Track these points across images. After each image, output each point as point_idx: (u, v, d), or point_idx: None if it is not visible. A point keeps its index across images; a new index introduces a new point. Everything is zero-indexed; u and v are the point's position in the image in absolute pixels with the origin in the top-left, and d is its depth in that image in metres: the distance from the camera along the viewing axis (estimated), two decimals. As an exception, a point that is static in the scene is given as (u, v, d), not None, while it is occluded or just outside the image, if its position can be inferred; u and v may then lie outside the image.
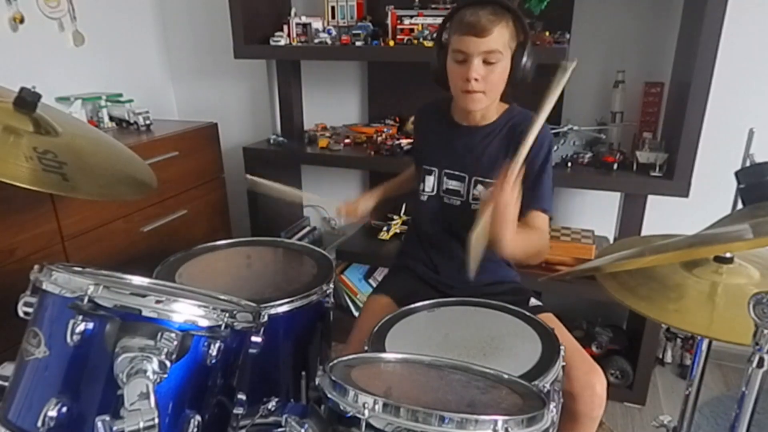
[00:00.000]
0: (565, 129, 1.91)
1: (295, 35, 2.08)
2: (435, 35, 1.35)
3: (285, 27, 2.07)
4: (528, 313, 1.25)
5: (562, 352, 1.09)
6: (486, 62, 1.22)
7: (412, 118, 1.80)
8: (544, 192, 1.32)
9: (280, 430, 0.92)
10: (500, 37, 1.21)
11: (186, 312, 0.84)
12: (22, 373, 0.86)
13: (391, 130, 2.19)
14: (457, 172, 1.38)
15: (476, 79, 1.23)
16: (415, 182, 1.47)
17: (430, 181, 1.41)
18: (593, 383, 1.21)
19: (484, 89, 1.25)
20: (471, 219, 1.35)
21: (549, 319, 1.32)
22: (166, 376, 0.78)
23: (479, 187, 1.37)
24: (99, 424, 0.76)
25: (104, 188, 1.23)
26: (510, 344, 1.14)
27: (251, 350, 0.98)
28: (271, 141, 2.29)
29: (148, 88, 2.47)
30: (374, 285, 2.31)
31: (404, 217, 2.25)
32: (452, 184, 1.39)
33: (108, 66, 2.24)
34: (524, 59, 1.26)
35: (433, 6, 1.95)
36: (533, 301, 1.41)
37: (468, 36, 1.20)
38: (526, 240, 1.24)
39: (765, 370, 0.75)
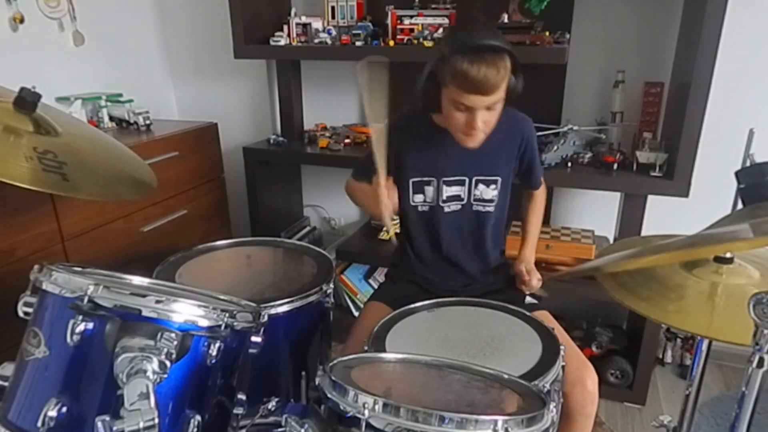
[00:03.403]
0: (565, 129, 1.91)
1: (295, 35, 2.08)
2: (426, 72, 1.27)
3: (285, 27, 2.07)
4: (527, 313, 1.25)
5: (562, 352, 1.09)
6: (488, 109, 1.22)
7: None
8: (539, 163, 1.49)
9: (280, 430, 0.92)
10: (503, 86, 1.20)
11: (186, 312, 0.84)
12: (22, 373, 0.86)
13: (391, 130, 2.19)
14: (456, 178, 1.38)
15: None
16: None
17: (429, 192, 1.40)
18: (584, 379, 1.21)
19: (485, 131, 1.26)
20: (473, 221, 1.40)
21: (545, 316, 1.33)
22: (166, 376, 0.78)
23: (480, 186, 1.38)
24: (99, 424, 0.76)
25: (104, 188, 1.23)
26: (510, 344, 1.14)
27: (251, 350, 0.98)
28: (271, 141, 2.29)
29: (148, 88, 2.47)
30: (374, 285, 2.32)
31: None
32: (452, 190, 1.39)
33: (108, 66, 2.24)
34: (517, 85, 1.25)
35: (433, 6, 1.95)
36: (529, 299, 1.42)
37: (474, 95, 1.17)
38: (541, 218, 1.55)
39: (765, 370, 0.75)
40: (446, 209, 1.40)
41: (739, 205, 1.01)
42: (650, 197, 1.81)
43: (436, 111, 1.31)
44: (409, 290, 1.44)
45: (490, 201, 1.39)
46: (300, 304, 1.28)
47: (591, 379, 1.22)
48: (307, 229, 2.55)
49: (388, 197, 1.24)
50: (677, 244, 0.91)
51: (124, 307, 0.81)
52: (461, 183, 1.38)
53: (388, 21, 1.93)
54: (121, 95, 2.11)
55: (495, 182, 1.38)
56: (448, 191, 1.39)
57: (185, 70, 2.59)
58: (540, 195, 1.54)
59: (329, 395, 0.86)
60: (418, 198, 1.41)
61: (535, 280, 1.41)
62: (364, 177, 1.34)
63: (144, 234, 1.85)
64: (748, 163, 1.06)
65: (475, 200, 1.39)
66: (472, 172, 1.37)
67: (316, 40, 2.03)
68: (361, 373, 0.97)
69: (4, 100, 1.20)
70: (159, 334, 0.79)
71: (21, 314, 0.89)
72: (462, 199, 1.39)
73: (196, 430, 0.85)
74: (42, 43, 1.96)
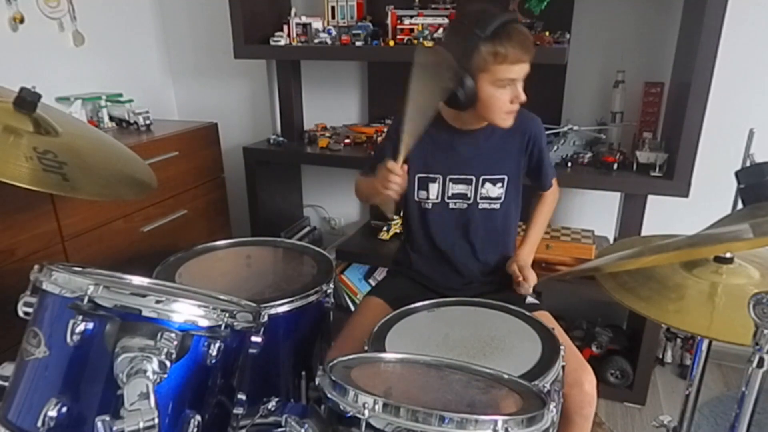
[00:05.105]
0: (565, 129, 1.91)
1: (295, 35, 2.08)
2: (459, 64, 1.23)
3: (285, 27, 2.07)
4: (527, 313, 1.25)
5: (562, 352, 1.09)
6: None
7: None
8: (550, 164, 1.48)
9: (280, 430, 0.92)
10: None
11: (186, 312, 0.84)
12: (22, 373, 0.86)
13: (391, 130, 2.19)
14: (463, 176, 1.38)
15: None
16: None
17: (434, 189, 1.41)
18: (582, 381, 1.21)
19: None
20: (479, 219, 1.40)
21: (545, 317, 1.33)
22: (166, 376, 0.78)
23: (486, 185, 1.39)
24: (99, 424, 0.76)
25: (104, 188, 1.23)
26: (510, 344, 1.14)
27: (251, 350, 0.98)
28: (271, 141, 2.29)
29: (148, 88, 2.47)
30: (374, 285, 2.31)
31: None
32: (458, 188, 1.39)
33: (108, 66, 2.23)
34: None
35: (433, 6, 1.95)
36: (529, 299, 1.42)
37: (518, 64, 1.21)
38: (546, 220, 1.54)
39: (765, 370, 0.75)
40: (451, 205, 1.41)
41: (739, 205, 1.01)
42: (650, 197, 1.81)
43: (467, 106, 1.27)
44: (409, 288, 1.45)
45: (497, 198, 1.40)
46: (300, 304, 1.28)
47: (589, 381, 1.22)
48: (307, 229, 2.54)
49: (398, 181, 1.21)
50: (677, 244, 0.91)
51: (124, 307, 0.82)
52: (468, 182, 1.39)
53: (388, 21, 1.93)
54: (121, 95, 2.11)
55: (501, 180, 1.39)
56: (454, 188, 1.39)
57: (185, 70, 2.59)
58: (549, 197, 1.53)
59: (329, 395, 0.86)
60: (422, 194, 1.42)
61: (531, 282, 1.36)
62: (373, 173, 1.33)
63: (144, 234, 1.85)
64: (748, 163, 1.06)
65: (481, 198, 1.40)
66: (479, 170, 1.38)
67: (316, 40, 2.03)
68: (361, 373, 0.97)
69: (4, 100, 1.20)
70: (159, 334, 0.79)
71: (21, 314, 0.89)
72: (468, 198, 1.40)
73: (196, 430, 0.85)
74: (42, 43, 1.96)
